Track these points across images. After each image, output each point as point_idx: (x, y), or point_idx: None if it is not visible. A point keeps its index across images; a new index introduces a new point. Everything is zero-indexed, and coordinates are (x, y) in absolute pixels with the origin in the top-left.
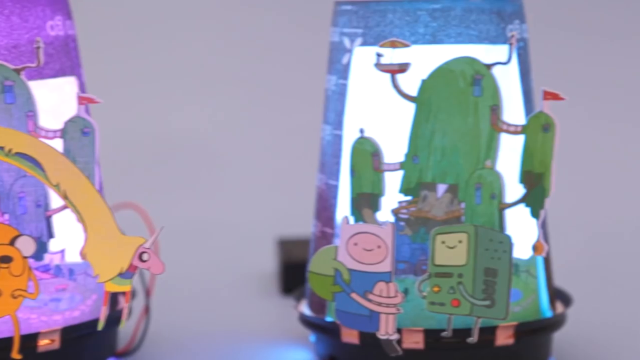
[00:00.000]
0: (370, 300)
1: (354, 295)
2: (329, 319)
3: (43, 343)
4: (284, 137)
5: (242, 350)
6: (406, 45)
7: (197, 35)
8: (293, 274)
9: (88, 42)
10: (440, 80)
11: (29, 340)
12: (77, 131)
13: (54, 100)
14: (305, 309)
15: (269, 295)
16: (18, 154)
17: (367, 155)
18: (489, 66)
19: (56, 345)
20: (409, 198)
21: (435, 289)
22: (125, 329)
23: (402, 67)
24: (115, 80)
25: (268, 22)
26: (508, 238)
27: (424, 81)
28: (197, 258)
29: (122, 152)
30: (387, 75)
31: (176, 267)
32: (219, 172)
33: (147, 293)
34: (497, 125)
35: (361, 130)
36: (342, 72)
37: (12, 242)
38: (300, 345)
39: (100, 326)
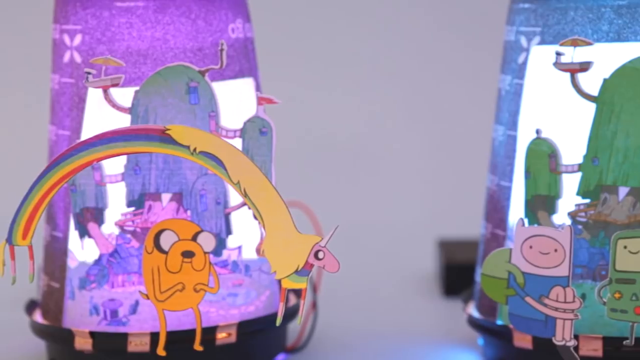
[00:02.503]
0: (546, 305)
1: (528, 299)
2: (499, 322)
3: (221, 336)
4: (448, 137)
5: (407, 351)
6: (589, 44)
7: (365, 36)
8: (455, 276)
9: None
10: (624, 79)
11: (208, 333)
12: (256, 131)
13: (234, 100)
14: (473, 311)
15: (431, 297)
16: (202, 152)
17: (544, 156)
18: None
19: (232, 339)
20: (587, 201)
21: (617, 295)
22: (294, 326)
23: (584, 66)
24: (283, 81)
25: (437, 20)
26: None
27: (605, 80)
28: (357, 257)
29: (286, 152)
30: (567, 75)
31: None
32: (382, 171)
33: (315, 289)
34: None
35: (538, 131)
36: (518, 71)
37: (194, 238)
38: (466, 347)
39: (279, 322)
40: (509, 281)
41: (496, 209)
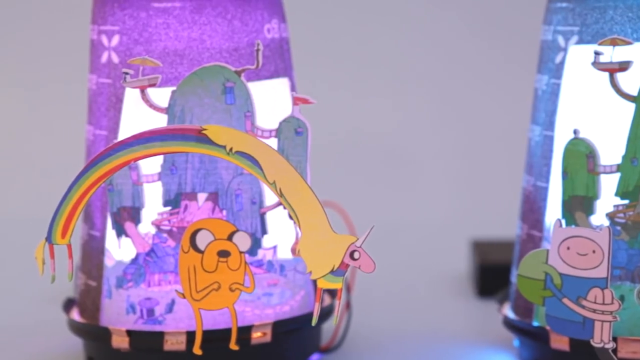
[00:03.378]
0: (583, 307)
1: (565, 301)
2: (536, 323)
3: (256, 336)
4: (482, 137)
5: (441, 351)
6: (628, 43)
7: (400, 35)
8: (489, 276)
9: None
10: None
11: (244, 333)
12: (291, 131)
13: (269, 100)
14: (509, 312)
15: (464, 297)
16: (238, 152)
17: (582, 156)
18: None
19: (267, 338)
20: (626, 202)
21: None
22: (328, 326)
23: (623, 66)
24: (318, 81)
25: (473, 20)
26: None
27: None
28: (391, 257)
29: (319, 152)
30: (606, 75)
31: None
32: (416, 171)
33: (348, 289)
34: None
35: (575, 131)
36: (555, 71)
37: (230, 237)
38: (501, 349)
39: (314, 322)
40: (545, 282)
41: (532, 209)
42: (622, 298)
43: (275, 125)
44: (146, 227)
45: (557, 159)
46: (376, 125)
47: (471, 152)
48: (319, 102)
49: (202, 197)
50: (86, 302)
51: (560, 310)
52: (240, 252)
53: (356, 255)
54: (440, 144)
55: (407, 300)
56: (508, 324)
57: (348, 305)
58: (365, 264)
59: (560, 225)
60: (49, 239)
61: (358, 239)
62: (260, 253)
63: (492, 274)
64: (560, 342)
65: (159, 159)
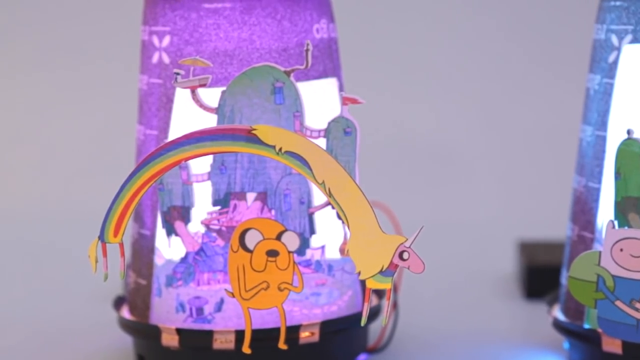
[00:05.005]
0: (637, 309)
1: (618, 303)
2: (587, 325)
3: (304, 335)
4: (530, 137)
5: (489, 352)
6: None
7: (450, 34)
8: (536, 278)
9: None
10: None
11: (292, 332)
12: (340, 131)
13: (318, 100)
14: (559, 314)
15: (512, 298)
16: (287, 152)
17: (635, 157)
18: None
19: (315, 338)
20: None
21: None
22: (374, 326)
23: None
24: (365, 81)
25: (524, 20)
26: None
27: None
28: (437, 258)
29: (367, 151)
30: None
31: None
32: (463, 171)
33: (395, 289)
34: None
35: (629, 131)
36: (608, 70)
37: (278, 237)
38: (551, 351)
39: (363, 322)
40: (598, 284)
41: (583, 210)
42: None
43: (324, 125)
44: (196, 226)
45: (609, 159)
46: (424, 125)
47: (519, 153)
48: (366, 102)
49: (251, 196)
50: (136, 300)
51: (613, 313)
52: (289, 252)
53: (405, 255)
54: (488, 144)
55: (453, 300)
56: (558, 326)
57: (395, 305)
58: (415, 264)
59: (613, 227)
60: (101, 237)
61: (407, 239)
62: (309, 253)
63: (539, 276)
64: (612, 345)
65: (209, 159)
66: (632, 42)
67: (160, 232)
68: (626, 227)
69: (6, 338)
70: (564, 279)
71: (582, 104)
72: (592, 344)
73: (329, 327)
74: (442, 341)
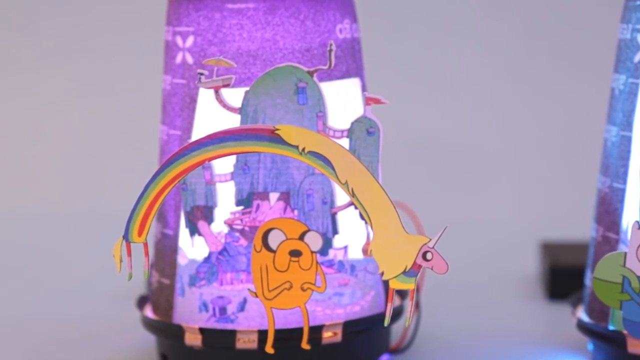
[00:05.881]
0: None
1: None
2: (611, 327)
3: (327, 335)
4: (554, 137)
5: (512, 353)
6: None
7: (470, 35)
8: (559, 279)
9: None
10: None
11: (315, 332)
12: (363, 131)
13: (341, 100)
14: (583, 315)
15: (534, 299)
16: (311, 152)
17: None
18: None
19: (338, 338)
20: None
21: None
22: (397, 326)
23: None
24: (387, 81)
25: (547, 19)
26: None
27: None
28: (459, 258)
29: (389, 152)
30: None
31: None
32: (485, 171)
33: (417, 290)
34: None
35: None
36: (634, 70)
37: (301, 237)
38: (574, 352)
39: (387, 322)
40: (623, 286)
41: (608, 211)
42: None
43: (347, 126)
44: (219, 226)
45: (635, 159)
46: (447, 125)
47: (542, 153)
48: (389, 102)
49: (274, 196)
50: (159, 299)
51: (639, 314)
52: (312, 252)
53: (429, 256)
54: (510, 144)
55: (476, 301)
56: (582, 327)
57: (417, 305)
58: (438, 265)
59: (639, 228)
60: (126, 237)
61: (431, 239)
62: (331, 253)
63: (562, 277)
64: (638, 347)
65: (232, 159)
66: None
67: (184, 231)
68: None
69: (31, 337)
70: (588, 280)
71: (606, 104)
72: (617, 345)
73: (351, 328)
74: (464, 342)
